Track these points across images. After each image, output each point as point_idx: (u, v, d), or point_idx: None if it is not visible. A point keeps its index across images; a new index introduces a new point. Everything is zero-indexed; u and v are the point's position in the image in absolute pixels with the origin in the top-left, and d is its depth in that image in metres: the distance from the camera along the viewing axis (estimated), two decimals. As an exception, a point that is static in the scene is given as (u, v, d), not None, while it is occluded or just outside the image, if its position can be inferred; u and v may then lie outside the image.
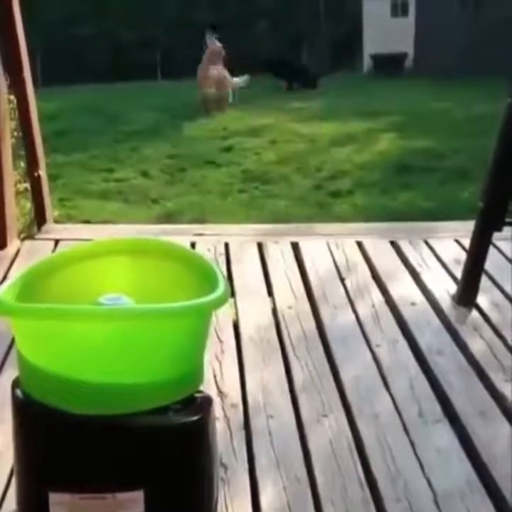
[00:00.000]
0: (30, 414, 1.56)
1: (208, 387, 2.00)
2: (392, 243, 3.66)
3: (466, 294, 3.00)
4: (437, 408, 2.30)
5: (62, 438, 1.53)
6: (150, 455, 1.55)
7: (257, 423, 2.22)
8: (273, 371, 2.52)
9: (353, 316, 2.92)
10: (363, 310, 2.97)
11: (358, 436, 2.16)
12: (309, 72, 16.75)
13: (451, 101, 12.22)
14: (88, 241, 1.90)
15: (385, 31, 20.57)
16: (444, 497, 1.90)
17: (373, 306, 3.00)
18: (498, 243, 3.39)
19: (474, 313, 2.94)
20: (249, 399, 2.35)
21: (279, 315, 2.93)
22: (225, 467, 2.00)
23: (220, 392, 2.37)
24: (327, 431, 2.19)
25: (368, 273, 3.33)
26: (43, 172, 3.94)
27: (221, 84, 12.25)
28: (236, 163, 8.16)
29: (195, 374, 1.62)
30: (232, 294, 3.07)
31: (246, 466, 2.03)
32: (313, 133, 9.68)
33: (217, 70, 12.32)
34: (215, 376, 2.46)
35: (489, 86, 12.67)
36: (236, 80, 13.01)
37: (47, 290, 1.65)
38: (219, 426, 2.10)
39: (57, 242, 3.71)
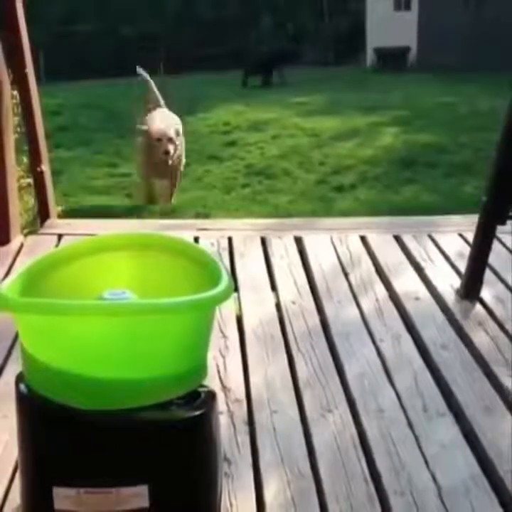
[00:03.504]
0: (33, 408, 1.57)
1: (212, 382, 2.00)
2: (396, 237, 3.66)
3: (470, 288, 3.00)
4: (441, 403, 2.30)
5: (65, 433, 1.53)
6: (154, 450, 1.55)
7: (261, 418, 2.22)
8: (277, 366, 2.52)
9: (356, 311, 2.92)
10: (366, 305, 2.96)
11: (362, 431, 2.16)
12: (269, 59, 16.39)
13: (455, 95, 12.20)
14: (91, 236, 1.89)
15: (388, 25, 20.53)
16: (448, 491, 1.90)
17: (377, 300, 3.00)
18: (502, 237, 3.39)
19: (478, 307, 2.93)
20: (253, 394, 2.35)
21: (283, 310, 2.93)
22: (229, 462, 2.00)
23: (224, 387, 2.37)
24: (331, 426, 2.19)
25: (372, 267, 3.32)
26: (46, 167, 3.94)
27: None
28: (239, 158, 8.16)
29: (199, 369, 1.62)
30: (236, 289, 3.07)
31: (250, 461, 2.03)
32: (316, 127, 9.66)
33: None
34: (218, 371, 2.46)
35: (492, 81, 12.66)
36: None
37: (50, 285, 1.65)
38: (223, 421, 2.10)
39: (60, 237, 3.71)
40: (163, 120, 5.94)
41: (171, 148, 5.68)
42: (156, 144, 5.70)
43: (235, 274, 3.25)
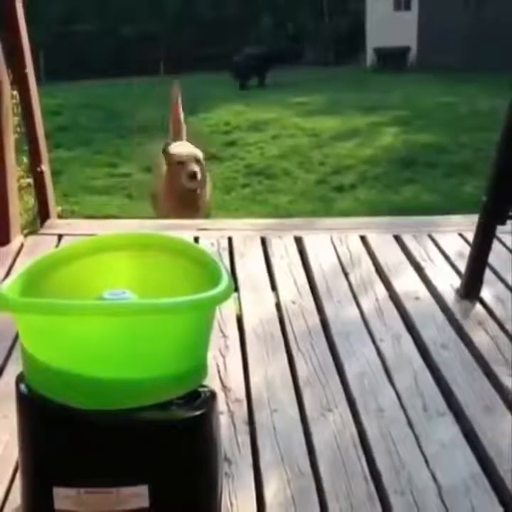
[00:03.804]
0: (34, 409, 1.57)
1: (212, 382, 2.00)
2: (396, 237, 3.66)
3: (470, 287, 3.00)
4: (441, 402, 2.30)
5: (66, 433, 1.53)
6: (154, 450, 1.55)
7: (261, 417, 2.22)
8: (277, 366, 2.52)
9: (356, 311, 2.92)
10: (366, 304, 2.96)
11: (362, 430, 2.16)
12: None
13: (455, 95, 12.21)
14: (91, 236, 1.89)
15: (388, 25, 20.54)
16: (448, 491, 1.90)
17: (377, 300, 3.00)
18: (502, 237, 3.39)
19: (478, 306, 2.93)
20: (254, 393, 2.35)
21: (283, 310, 2.93)
22: (229, 462, 2.00)
23: (224, 387, 2.37)
24: (331, 425, 2.19)
25: (372, 267, 3.32)
26: (46, 167, 3.94)
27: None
28: (239, 158, 8.17)
29: (199, 369, 1.62)
30: (236, 289, 3.07)
31: (250, 460, 2.03)
32: (316, 127, 9.68)
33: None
34: (219, 371, 2.46)
35: (492, 81, 12.67)
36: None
37: (50, 285, 1.65)
38: (223, 420, 2.10)
39: (60, 237, 3.71)
40: (188, 146, 5.10)
41: (197, 170, 4.77)
42: (177, 170, 4.81)
43: (235, 274, 3.25)
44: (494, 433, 2.14)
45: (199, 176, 4.76)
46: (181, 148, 4.99)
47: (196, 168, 4.77)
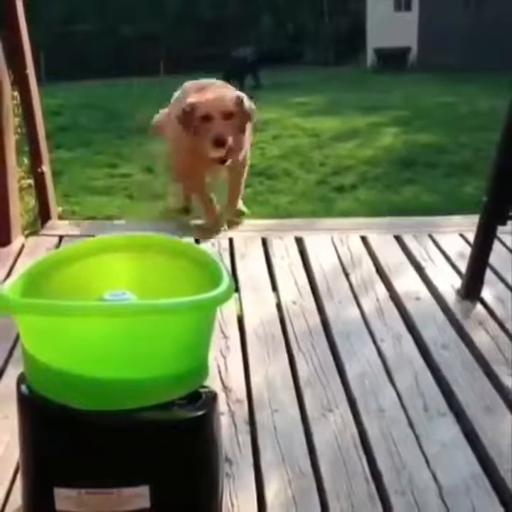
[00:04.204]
0: (35, 409, 1.57)
1: (213, 383, 2.00)
2: (397, 238, 3.66)
3: (471, 287, 3.00)
4: (442, 402, 2.30)
5: (66, 433, 1.53)
6: (155, 450, 1.55)
7: (262, 418, 2.22)
8: (278, 366, 2.53)
9: (357, 311, 2.92)
10: (367, 305, 2.96)
11: (363, 430, 2.16)
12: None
13: (455, 95, 12.22)
14: (92, 237, 1.89)
15: (389, 26, 20.55)
16: (449, 491, 1.90)
17: (378, 300, 3.00)
18: (502, 237, 3.39)
19: (479, 307, 2.93)
20: (254, 394, 2.35)
21: (284, 310, 2.93)
22: (230, 462, 2.00)
23: (225, 387, 2.38)
24: (332, 425, 2.19)
25: (373, 268, 3.33)
26: (46, 168, 3.94)
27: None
28: (239, 158, 8.15)
29: (200, 369, 1.62)
30: (237, 290, 3.07)
31: (251, 460, 2.03)
32: (316, 127, 9.68)
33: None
34: (219, 371, 2.47)
35: (492, 81, 12.67)
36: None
37: (51, 286, 1.65)
38: (224, 421, 2.10)
39: (61, 238, 3.71)
40: (219, 90, 3.66)
41: (227, 136, 3.45)
42: (199, 128, 3.42)
43: (236, 275, 3.25)
44: (495, 433, 2.14)
45: (230, 141, 3.43)
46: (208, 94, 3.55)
47: (226, 132, 3.47)
